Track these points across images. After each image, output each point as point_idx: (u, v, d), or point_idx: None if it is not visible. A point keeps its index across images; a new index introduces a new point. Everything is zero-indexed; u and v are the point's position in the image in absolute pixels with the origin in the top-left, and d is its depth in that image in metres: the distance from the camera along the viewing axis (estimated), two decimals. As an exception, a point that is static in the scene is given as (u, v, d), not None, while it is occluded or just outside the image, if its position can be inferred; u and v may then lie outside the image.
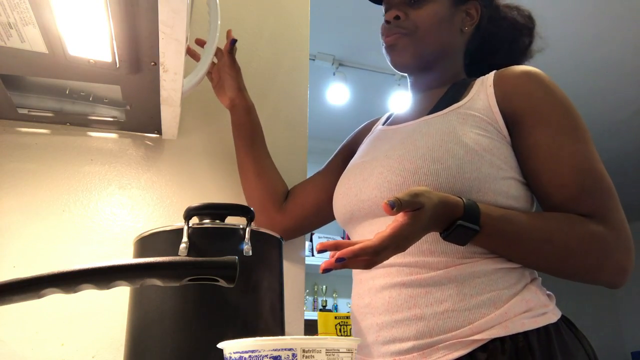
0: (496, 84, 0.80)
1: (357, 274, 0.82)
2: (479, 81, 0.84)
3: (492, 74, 0.83)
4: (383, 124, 0.99)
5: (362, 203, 0.81)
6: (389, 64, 0.94)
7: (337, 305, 4.36)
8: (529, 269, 0.75)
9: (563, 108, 0.75)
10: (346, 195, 0.85)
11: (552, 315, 0.70)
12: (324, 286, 4.25)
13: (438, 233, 0.69)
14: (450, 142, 0.73)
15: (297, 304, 1.15)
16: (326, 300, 4.29)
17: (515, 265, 0.72)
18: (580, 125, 0.74)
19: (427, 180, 0.72)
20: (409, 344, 0.69)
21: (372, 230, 0.79)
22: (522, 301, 0.69)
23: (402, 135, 0.82)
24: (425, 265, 0.71)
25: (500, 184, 0.73)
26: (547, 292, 0.75)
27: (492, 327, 0.67)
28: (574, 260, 0.68)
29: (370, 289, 0.77)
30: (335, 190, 0.90)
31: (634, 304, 5.57)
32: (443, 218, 0.64)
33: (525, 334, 0.66)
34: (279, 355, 0.47)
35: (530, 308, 0.69)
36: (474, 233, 0.65)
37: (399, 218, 0.60)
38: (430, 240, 0.72)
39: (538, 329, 0.67)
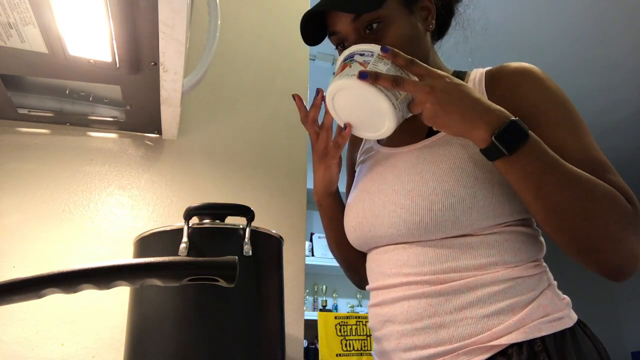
0: (489, 88, 0.78)
1: (374, 287, 0.82)
2: (470, 84, 0.81)
3: (483, 75, 0.80)
4: (379, 140, 0.94)
5: (378, 238, 0.80)
6: None
7: (337, 305, 4.36)
8: (545, 274, 0.74)
9: (561, 104, 0.74)
10: (358, 229, 0.83)
11: (568, 319, 0.70)
12: (324, 286, 4.25)
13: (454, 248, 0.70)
14: (457, 169, 0.72)
15: (297, 304, 1.15)
16: (326, 300, 4.29)
17: (533, 272, 0.72)
18: (579, 120, 0.74)
19: (443, 216, 0.71)
20: (430, 351, 0.70)
21: (387, 251, 0.79)
22: (539, 307, 0.69)
23: (405, 164, 0.79)
24: (444, 280, 0.72)
25: (514, 201, 0.73)
26: (564, 296, 0.75)
27: (511, 332, 0.67)
28: (597, 213, 0.63)
29: (386, 299, 0.77)
30: (346, 221, 0.87)
31: (634, 304, 5.57)
32: (488, 107, 0.66)
33: (542, 338, 0.67)
34: (364, 52, 0.72)
35: (547, 313, 0.69)
36: (524, 137, 0.63)
37: None
38: (452, 258, 0.72)
39: (555, 334, 0.68)
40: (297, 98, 0.86)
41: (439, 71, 0.68)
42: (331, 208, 0.95)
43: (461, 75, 0.85)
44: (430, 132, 0.81)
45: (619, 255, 0.63)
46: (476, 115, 0.65)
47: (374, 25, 0.78)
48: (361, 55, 0.71)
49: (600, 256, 0.64)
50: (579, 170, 0.65)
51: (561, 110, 0.73)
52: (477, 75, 0.81)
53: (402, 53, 0.69)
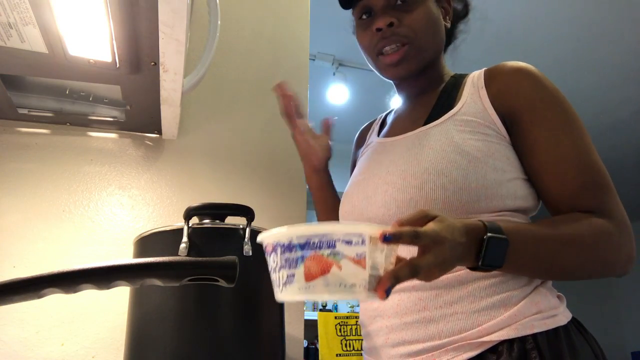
0: (487, 84, 0.79)
1: None
2: (469, 81, 0.83)
3: (482, 73, 0.82)
4: (378, 134, 0.97)
5: (370, 221, 0.80)
6: (385, 76, 0.90)
7: (337, 305, 4.36)
8: None
9: (557, 103, 0.74)
10: (351, 213, 0.84)
11: (562, 317, 0.70)
12: (324, 286, 4.25)
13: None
14: (452, 152, 0.73)
15: (297, 304, 1.15)
16: (326, 300, 4.29)
17: None
18: (575, 119, 0.74)
19: (434, 194, 0.71)
20: (419, 346, 0.69)
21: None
22: (531, 303, 0.69)
23: (401, 149, 0.81)
24: None
25: (506, 187, 0.72)
26: (558, 293, 0.75)
27: (502, 329, 0.66)
28: (594, 259, 0.68)
29: None
30: (340, 208, 0.89)
31: (634, 304, 5.57)
32: (468, 237, 0.58)
33: (534, 336, 0.66)
34: (351, 240, 0.47)
35: (540, 310, 0.68)
36: (505, 243, 0.61)
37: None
38: None
39: (547, 331, 0.67)
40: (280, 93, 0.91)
41: (437, 232, 0.54)
42: (318, 185, 1.00)
43: (461, 77, 0.86)
44: (428, 120, 0.82)
45: (619, 267, 0.70)
46: (464, 257, 0.59)
47: (406, 1, 0.82)
48: (348, 243, 0.47)
49: (607, 274, 0.71)
50: (562, 225, 0.68)
51: (557, 109, 0.74)
52: (476, 74, 0.83)
53: (404, 229, 0.51)
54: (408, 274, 0.51)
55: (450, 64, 0.94)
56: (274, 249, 0.50)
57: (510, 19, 2.89)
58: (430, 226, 0.55)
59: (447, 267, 0.56)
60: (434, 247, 0.53)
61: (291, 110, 0.92)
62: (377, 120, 1.04)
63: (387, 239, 0.49)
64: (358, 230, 0.47)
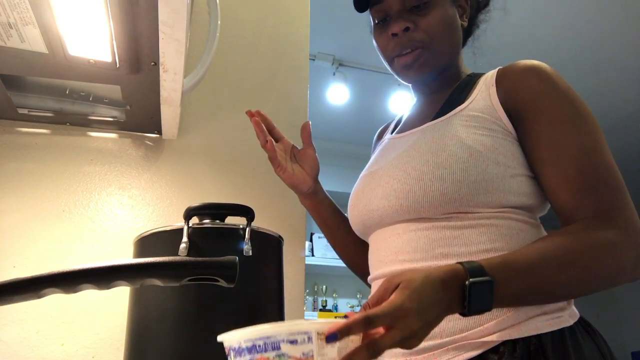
0: (498, 81, 0.79)
1: (373, 277, 0.83)
2: (482, 80, 0.83)
3: (495, 71, 0.82)
4: (392, 131, 0.99)
5: (372, 213, 0.81)
6: (401, 79, 0.91)
7: (337, 305, 4.36)
8: None
9: (566, 99, 0.73)
10: (357, 206, 0.85)
11: (568, 318, 0.68)
12: (324, 286, 4.25)
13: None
14: (453, 145, 0.73)
15: (297, 304, 1.15)
16: (326, 300, 4.29)
17: None
18: (584, 116, 0.72)
19: (432, 186, 0.71)
20: (420, 345, 0.69)
21: (384, 238, 0.80)
22: None
23: (407, 143, 0.82)
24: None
25: (509, 183, 0.71)
26: None
27: (504, 329, 0.65)
28: (596, 275, 0.64)
29: None
30: (349, 202, 0.90)
31: (634, 304, 5.57)
32: (448, 289, 0.56)
33: (539, 336, 0.65)
34: (296, 339, 0.46)
35: (545, 311, 0.67)
36: (490, 285, 0.57)
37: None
38: (444, 244, 0.72)
39: (552, 332, 0.65)
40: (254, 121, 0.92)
41: (397, 306, 0.51)
42: (313, 208, 1.01)
43: (477, 76, 0.86)
44: (436, 116, 0.83)
45: (627, 275, 0.65)
46: (449, 308, 0.57)
47: (421, 5, 0.83)
48: (293, 342, 0.46)
49: (617, 284, 0.67)
50: (555, 245, 0.64)
51: (564, 106, 0.73)
52: (490, 73, 0.84)
53: (351, 320, 0.48)
54: (366, 357, 0.47)
55: (470, 55, 0.94)
56: (229, 353, 0.49)
57: (511, 21, 2.89)
58: (392, 300, 0.52)
59: (426, 330, 0.53)
60: (398, 322, 0.50)
61: (273, 154, 0.91)
62: (395, 119, 1.06)
63: (332, 338, 0.46)
64: (302, 328, 0.46)
